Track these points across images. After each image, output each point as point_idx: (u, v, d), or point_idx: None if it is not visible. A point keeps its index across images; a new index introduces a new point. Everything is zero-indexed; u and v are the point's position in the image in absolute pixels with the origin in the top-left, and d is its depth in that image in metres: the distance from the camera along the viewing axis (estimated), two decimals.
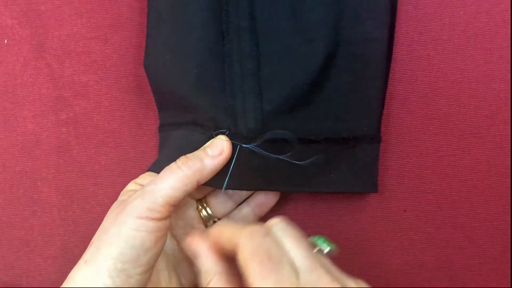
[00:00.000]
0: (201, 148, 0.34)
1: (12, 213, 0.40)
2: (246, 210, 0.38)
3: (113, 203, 0.34)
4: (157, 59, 0.37)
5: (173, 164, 0.33)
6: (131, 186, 0.35)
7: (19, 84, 0.40)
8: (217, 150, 0.33)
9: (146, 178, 0.35)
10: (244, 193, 0.38)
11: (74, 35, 0.41)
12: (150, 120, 0.40)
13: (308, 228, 0.39)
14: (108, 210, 0.35)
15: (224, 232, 0.30)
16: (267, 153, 0.35)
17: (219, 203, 0.38)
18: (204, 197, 0.38)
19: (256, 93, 0.35)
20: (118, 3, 0.41)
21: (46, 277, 0.40)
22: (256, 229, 0.28)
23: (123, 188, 0.35)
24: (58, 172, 0.40)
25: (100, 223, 0.33)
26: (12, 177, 0.40)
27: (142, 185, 0.34)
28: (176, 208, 0.33)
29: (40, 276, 0.40)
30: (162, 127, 0.39)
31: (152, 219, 0.30)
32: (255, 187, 0.37)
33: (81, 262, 0.31)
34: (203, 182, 0.33)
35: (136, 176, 0.36)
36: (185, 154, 0.34)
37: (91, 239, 0.32)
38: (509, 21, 0.39)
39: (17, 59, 0.41)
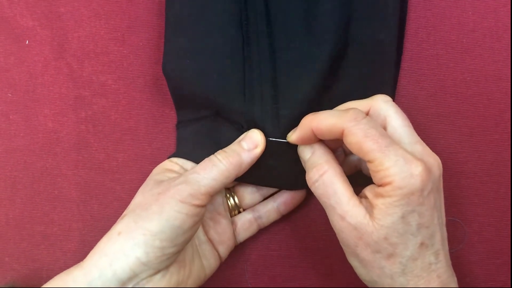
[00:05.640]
0: (236, 141, 0.35)
1: (33, 208, 0.41)
2: (271, 205, 0.38)
3: (130, 198, 0.35)
4: (176, 63, 0.37)
5: (213, 157, 0.34)
6: (167, 165, 0.36)
7: (40, 84, 0.41)
8: (252, 144, 0.34)
9: (178, 160, 0.37)
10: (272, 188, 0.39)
11: (93, 36, 0.41)
12: (166, 118, 0.41)
13: (327, 223, 0.40)
14: (125, 204, 0.35)
15: (324, 120, 0.31)
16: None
17: (247, 194, 0.39)
18: (233, 187, 0.39)
19: (273, 98, 0.36)
20: (135, 5, 0.41)
21: (65, 270, 0.40)
22: (357, 113, 0.30)
23: (140, 184, 0.36)
24: (77, 169, 0.41)
25: (117, 218, 0.34)
26: (33, 173, 0.41)
27: (177, 164, 0.36)
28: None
29: (59, 269, 0.40)
30: (180, 123, 0.39)
31: (193, 204, 0.32)
32: (274, 185, 0.38)
33: (112, 233, 0.32)
34: (240, 175, 0.34)
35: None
36: (209, 142, 0.35)
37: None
38: None
39: (38, 59, 0.41)
